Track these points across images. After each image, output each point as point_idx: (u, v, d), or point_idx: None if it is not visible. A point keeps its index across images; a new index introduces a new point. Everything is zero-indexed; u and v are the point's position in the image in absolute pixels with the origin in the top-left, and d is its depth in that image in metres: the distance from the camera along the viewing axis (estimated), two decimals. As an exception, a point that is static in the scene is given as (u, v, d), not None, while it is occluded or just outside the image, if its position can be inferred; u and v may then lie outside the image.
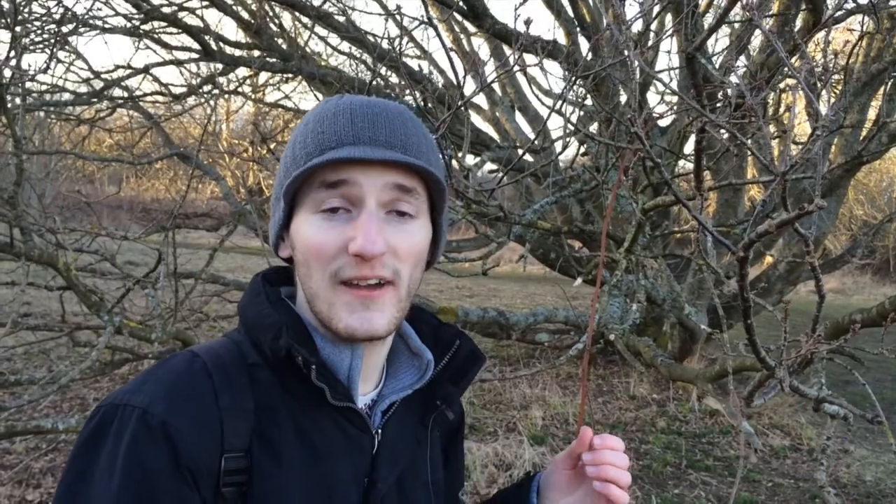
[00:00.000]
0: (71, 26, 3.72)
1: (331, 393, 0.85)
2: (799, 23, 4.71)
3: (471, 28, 8.25)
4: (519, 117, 8.68)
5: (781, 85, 4.03)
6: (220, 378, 0.83)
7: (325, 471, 0.87)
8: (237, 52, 7.74)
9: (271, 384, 0.87)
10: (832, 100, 3.37)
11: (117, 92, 7.10)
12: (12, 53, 2.59)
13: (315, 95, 7.09)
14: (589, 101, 5.56)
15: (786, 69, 3.43)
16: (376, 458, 0.93)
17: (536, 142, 4.83)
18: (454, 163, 3.56)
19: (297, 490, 0.84)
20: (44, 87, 6.49)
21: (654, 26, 6.41)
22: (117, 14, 6.70)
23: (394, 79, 7.14)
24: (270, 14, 7.71)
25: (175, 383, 0.82)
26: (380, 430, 0.94)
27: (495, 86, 8.44)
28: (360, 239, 0.81)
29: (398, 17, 4.75)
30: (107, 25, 6.52)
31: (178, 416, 0.78)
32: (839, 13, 4.35)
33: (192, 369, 0.84)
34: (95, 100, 6.93)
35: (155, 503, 0.75)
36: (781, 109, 4.06)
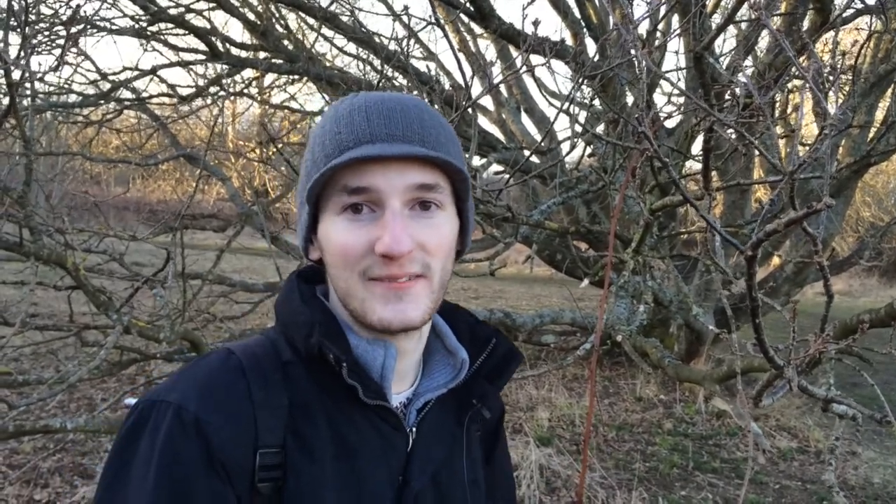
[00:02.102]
0: (79, 27, 3.73)
1: (363, 391, 0.86)
2: (806, 23, 4.70)
3: (477, 29, 8.25)
4: (525, 118, 8.68)
5: (789, 85, 4.02)
6: (254, 375, 0.85)
7: (357, 468, 0.88)
8: (244, 54, 7.76)
9: (305, 381, 0.88)
10: (840, 100, 3.36)
11: (124, 93, 7.12)
12: (22, 54, 2.60)
13: (322, 96, 7.10)
14: (596, 102, 5.55)
15: (793, 69, 3.43)
16: (410, 456, 0.93)
17: (543, 143, 4.83)
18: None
19: (331, 486, 0.85)
20: (52, 89, 6.52)
21: (660, 27, 6.40)
22: (125, 15, 6.73)
23: (400, 80, 7.14)
24: (277, 15, 7.73)
25: (209, 380, 0.84)
26: (414, 429, 0.95)
27: (502, 87, 8.44)
28: (386, 238, 0.81)
29: (405, 17, 4.77)
30: (114, 27, 6.54)
31: (210, 412, 0.80)
32: (847, 13, 4.34)
33: (227, 366, 0.85)
34: (103, 101, 6.95)
35: (189, 497, 0.76)
36: (789, 110, 4.06)
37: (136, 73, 7.03)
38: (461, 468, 1.01)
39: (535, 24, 2.74)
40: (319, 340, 0.85)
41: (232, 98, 9.70)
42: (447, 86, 7.17)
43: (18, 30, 2.90)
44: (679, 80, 5.93)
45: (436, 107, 4.76)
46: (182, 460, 0.77)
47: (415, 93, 5.80)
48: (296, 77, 8.03)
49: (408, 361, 0.95)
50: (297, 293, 0.93)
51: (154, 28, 7.12)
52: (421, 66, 7.98)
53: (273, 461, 0.82)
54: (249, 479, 0.81)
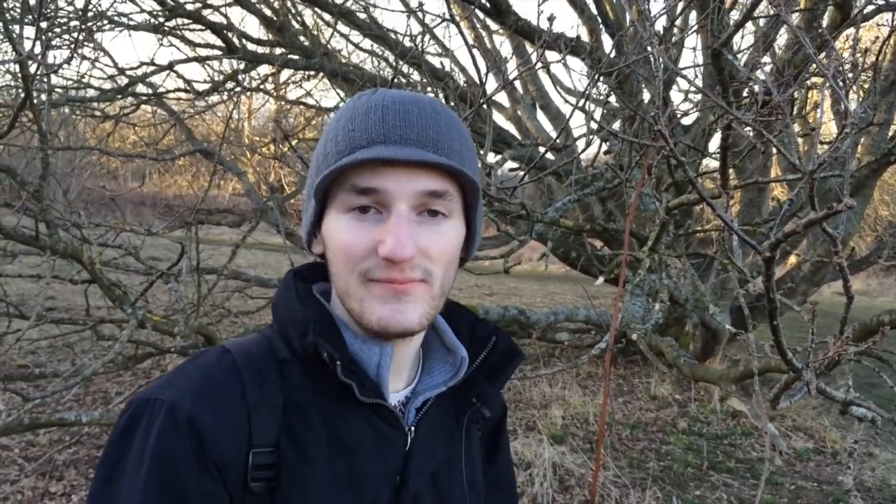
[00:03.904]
0: (94, 21, 3.75)
1: (359, 389, 0.85)
2: (826, 20, 4.64)
3: (493, 25, 8.22)
4: (540, 115, 8.64)
5: (808, 83, 3.97)
6: (248, 373, 0.84)
7: (354, 467, 0.87)
8: (260, 50, 7.78)
9: (301, 380, 0.87)
10: (860, 98, 3.32)
11: (141, 88, 7.16)
12: (38, 48, 2.61)
13: (337, 93, 7.10)
14: (612, 99, 5.52)
15: (813, 66, 3.38)
16: (409, 455, 0.92)
17: (558, 140, 4.81)
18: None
19: (326, 486, 0.84)
20: (70, 84, 6.56)
21: (678, 23, 6.35)
22: (142, 11, 6.79)
23: (416, 76, 7.14)
24: (293, 11, 7.74)
25: (203, 378, 0.83)
26: (413, 428, 0.94)
27: (517, 84, 8.40)
28: (389, 242, 0.80)
29: (420, 13, 4.76)
30: (131, 22, 6.59)
31: (204, 411, 0.79)
32: (868, 9, 4.27)
33: (221, 365, 0.85)
34: (120, 96, 6.99)
35: (181, 495, 0.76)
36: (808, 108, 4.01)
37: (153, 68, 7.06)
38: (460, 468, 1.00)
39: (551, 19, 2.72)
40: (314, 339, 0.84)
41: (248, 94, 9.74)
42: (462, 82, 7.15)
43: (34, 23, 2.92)
44: (696, 77, 5.87)
45: (451, 103, 4.75)
46: (174, 459, 0.76)
47: (429, 89, 5.79)
48: (311, 73, 8.05)
49: (403, 359, 0.94)
50: (293, 291, 0.92)
51: (171, 24, 7.16)
52: (436, 62, 7.94)
53: (266, 461, 0.82)
54: (242, 479, 0.80)
